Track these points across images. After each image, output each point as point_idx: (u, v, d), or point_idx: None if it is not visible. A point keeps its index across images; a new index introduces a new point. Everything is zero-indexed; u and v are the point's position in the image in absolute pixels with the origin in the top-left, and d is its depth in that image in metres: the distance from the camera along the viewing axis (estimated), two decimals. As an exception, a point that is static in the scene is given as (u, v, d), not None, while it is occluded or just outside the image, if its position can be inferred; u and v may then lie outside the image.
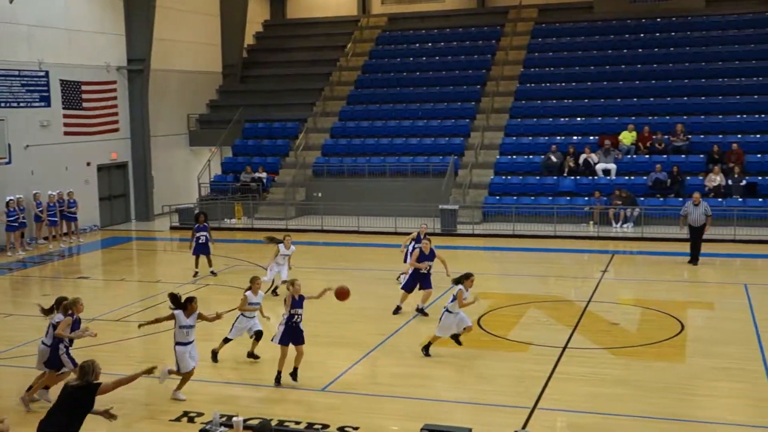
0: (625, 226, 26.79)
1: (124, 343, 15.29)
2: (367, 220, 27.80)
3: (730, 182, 26.97)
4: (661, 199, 27.30)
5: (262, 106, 36.19)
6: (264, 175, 31.89)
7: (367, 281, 20.30)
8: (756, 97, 30.40)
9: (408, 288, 16.86)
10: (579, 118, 31.55)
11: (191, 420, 11.37)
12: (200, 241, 20.82)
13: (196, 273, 20.97)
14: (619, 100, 31.87)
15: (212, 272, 21.04)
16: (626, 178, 28.51)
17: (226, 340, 13.97)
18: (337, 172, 31.53)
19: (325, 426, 11.02)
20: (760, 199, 26.49)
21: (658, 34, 34.57)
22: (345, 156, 32.23)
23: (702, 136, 29.37)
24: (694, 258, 21.69)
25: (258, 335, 13.86)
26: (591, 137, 30.42)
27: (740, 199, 26.50)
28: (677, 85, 31.80)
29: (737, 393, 12.45)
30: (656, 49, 33.78)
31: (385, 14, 40.04)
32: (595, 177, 28.75)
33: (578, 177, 28.84)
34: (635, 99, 31.71)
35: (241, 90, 37.82)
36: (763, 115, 29.61)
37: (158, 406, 11.94)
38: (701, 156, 28.56)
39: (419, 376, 13.21)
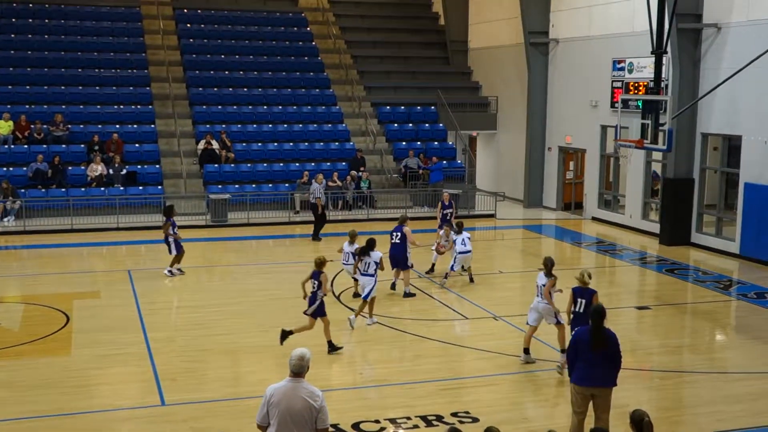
0: (6, 219, 25.47)
1: None
2: None
3: (111, 171, 27.41)
4: (43, 190, 26.56)
5: None
6: None
7: None
8: (132, 88, 31.32)
9: None
10: (-50, 106, 29.01)
11: None
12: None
13: None
14: (-8, 87, 30.14)
15: None
16: (5, 169, 27.07)
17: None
18: None
19: None
20: (140, 187, 27.44)
21: (31, 20, 33.42)
22: None
23: (82, 126, 29.31)
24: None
25: None
26: (-37, 126, 28.23)
27: (122, 188, 27.10)
28: (55, 74, 31.16)
29: (125, 377, 12.70)
30: (30, 36, 32.66)
31: None
32: (-30, 169, 26.78)
33: (-50, 170, 26.54)
34: (10, 86, 30.24)
35: None
36: (139, 106, 30.65)
37: None
38: (82, 146, 28.50)
39: None
